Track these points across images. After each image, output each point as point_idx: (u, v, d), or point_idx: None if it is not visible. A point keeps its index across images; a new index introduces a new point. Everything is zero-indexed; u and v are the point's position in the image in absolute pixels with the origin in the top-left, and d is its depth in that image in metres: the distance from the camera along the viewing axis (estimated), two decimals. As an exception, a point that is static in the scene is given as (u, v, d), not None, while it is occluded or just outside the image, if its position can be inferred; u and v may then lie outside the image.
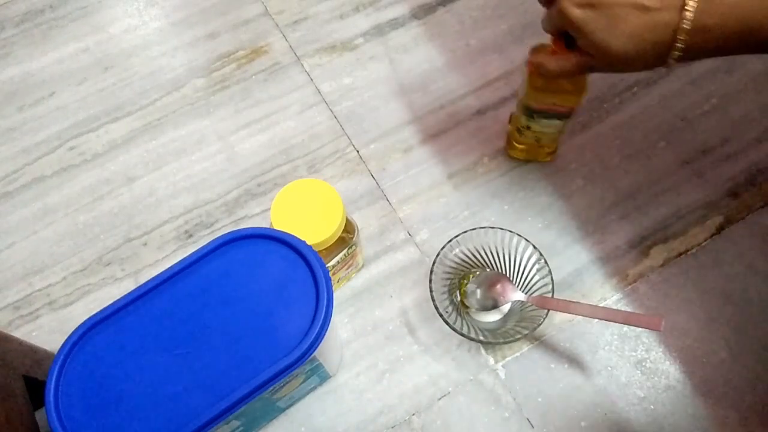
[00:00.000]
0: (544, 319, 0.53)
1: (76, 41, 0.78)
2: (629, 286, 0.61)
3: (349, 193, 0.66)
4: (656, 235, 0.63)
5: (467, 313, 0.59)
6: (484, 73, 0.73)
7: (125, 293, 0.44)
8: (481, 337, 0.54)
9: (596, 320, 0.59)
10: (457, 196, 0.66)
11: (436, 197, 0.66)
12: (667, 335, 0.58)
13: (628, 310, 0.60)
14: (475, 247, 0.59)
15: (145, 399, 0.41)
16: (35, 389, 0.49)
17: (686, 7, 0.42)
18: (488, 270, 0.60)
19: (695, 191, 0.65)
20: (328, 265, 0.54)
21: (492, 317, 0.59)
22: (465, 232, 0.57)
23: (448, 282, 0.59)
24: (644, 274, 0.61)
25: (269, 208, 0.57)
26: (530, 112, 0.58)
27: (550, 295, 0.54)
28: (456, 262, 0.59)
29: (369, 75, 0.74)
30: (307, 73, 0.74)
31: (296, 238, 0.46)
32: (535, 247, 0.56)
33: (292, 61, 0.75)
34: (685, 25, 0.42)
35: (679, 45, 0.43)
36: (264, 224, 0.64)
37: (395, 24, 0.77)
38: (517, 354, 0.58)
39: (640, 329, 0.59)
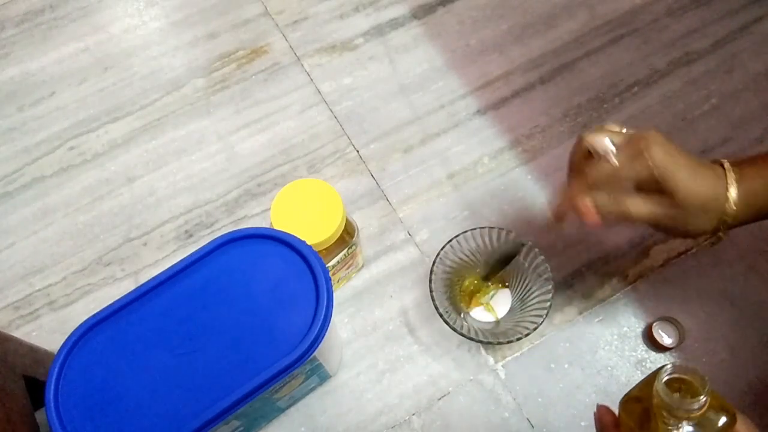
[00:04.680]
0: (543, 319, 0.53)
1: (76, 41, 0.78)
2: (629, 286, 0.61)
3: (349, 193, 0.66)
4: (656, 235, 0.63)
5: (467, 313, 0.59)
6: (484, 73, 0.73)
7: (125, 293, 0.44)
8: (481, 337, 0.54)
9: (596, 320, 0.59)
10: (457, 196, 0.66)
11: (436, 197, 0.66)
12: (667, 335, 0.58)
13: (628, 310, 0.60)
14: (475, 247, 0.59)
15: (145, 399, 0.41)
16: (35, 389, 0.49)
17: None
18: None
19: (695, 191, 0.64)
20: (328, 265, 0.54)
21: (491, 317, 0.59)
22: (465, 232, 0.57)
23: (448, 282, 0.59)
24: (644, 274, 0.61)
25: (269, 208, 0.57)
26: None
27: (550, 295, 0.54)
28: (456, 262, 0.59)
29: (369, 75, 0.74)
30: (307, 73, 0.74)
31: (296, 238, 0.46)
32: (530, 244, 0.56)
33: (292, 61, 0.75)
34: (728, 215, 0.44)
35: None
36: (264, 224, 0.64)
37: (395, 24, 0.77)
38: (517, 354, 0.58)
39: (640, 329, 0.59)
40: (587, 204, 0.46)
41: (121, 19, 0.80)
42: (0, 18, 0.80)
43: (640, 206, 0.45)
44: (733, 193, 0.44)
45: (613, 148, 0.45)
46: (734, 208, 0.44)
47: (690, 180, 0.44)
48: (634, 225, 0.47)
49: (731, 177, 0.44)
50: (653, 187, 0.44)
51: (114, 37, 0.78)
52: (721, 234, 0.46)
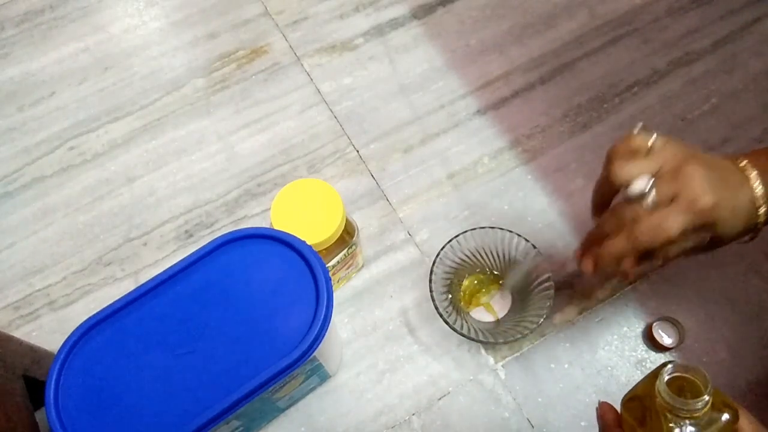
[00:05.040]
0: (543, 319, 0.53)
1: (76, 41, 0.78)
2: (629, 286, 0.61)
3: (349, 193, 0.66)
4: (656, 235, 0.62)
5: (467, 313, 0.59)
6: (484, 73, 0.73)
7: (125, 293, 0.44)
8: (481, 337, 0.54)
9: (596, 320, 0.59)
10: (457, 196, 0.66)
11: (436, 197, 0.66)
12: (667, 335, 0.58)
13: (628, 310, 0.60)
14: (475, 247, 0.59)
15: (145, 399, 0.41)
16: (35, 389, 0.49)
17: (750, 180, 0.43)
18: (489, 270, 0.60)
19: (695, 191, 0.64)
20: (328, 265, 0.54)
21: (491, 317, 0.59)
22: (465, 232, 0.57)
23: (448, 282, 0.59)
24: (644, 274, 0.61)
25: (269, 208, 0.57)
26: None
27: (550, 295, 0.54)
28: (456, 262, 0.59)
29: (369, 75, 0.74)
30: (307, 73, 0.74)
31: (296, 238, 0.46)
32: (535, 247, 0.56)
33: (292, 61, 0.75)
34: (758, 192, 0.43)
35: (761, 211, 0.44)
36: (264, 224, 0.64)
37: (395, 24, 0.77)
38: (517, 354, 0.58)
39: (640, 329, 0.59)
40: (633, 271, 0.44)
41: (121, 19, 0.80)
42: (0, 18, 0.80)
43: (678, 250, 0.43)
44: (759, 192, 0.43)
45: (653, 194, 0.42)
46: (764, 208, 0.43)
47: (734, 212, 0.43)
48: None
49: (755, 181, 0.43)
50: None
51: (114, 37, 0.78)
52: (752, 235, 0.45)
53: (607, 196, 0.46)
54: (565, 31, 0.75)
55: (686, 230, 0.42)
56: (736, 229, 0.44)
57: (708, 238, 0.44)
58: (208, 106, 0.73)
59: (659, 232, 0.42)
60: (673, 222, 0.41)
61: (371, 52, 0.75)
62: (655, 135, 0.44)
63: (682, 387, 0.36)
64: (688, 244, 0.44)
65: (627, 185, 0.43)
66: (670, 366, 0.36)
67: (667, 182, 0.42)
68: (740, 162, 0.44)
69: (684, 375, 0.36)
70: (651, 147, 0.44)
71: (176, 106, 0.73)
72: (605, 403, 0.42)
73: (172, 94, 0.74)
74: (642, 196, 0.42)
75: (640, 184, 0.42)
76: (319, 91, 0.73)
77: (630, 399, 0.40)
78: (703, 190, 0.41)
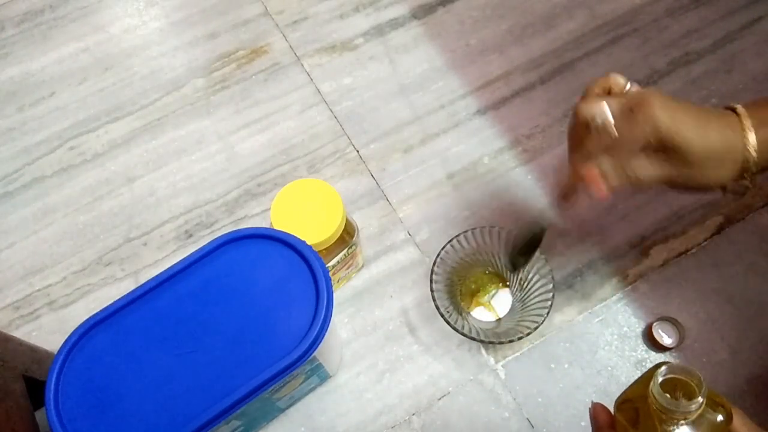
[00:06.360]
0: (544, 319, 0.53)
1: (76, 41, 0.78)
2: (629, 286, 0.61)
3: (349, 193, 0.66)
4: (656, 235, 0.63)
5: (468, 312, 0.59)
6: (484, 73, 0.73)
7: (125, 293, 0.44)
8: (482, 337, 0.54)
9: (596, 320, 0.59)
10: (457, 196, 0.66)
11: (436, 197, 0.66)
12: (667, 335, 0.58)
13: (628, 310, 0.60)
14: (475, 247, 0.59)
15: (145, 399, 0.41)
16: (35, 389, 0.49)
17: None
18: (489, 270, 0.60)
19: (695, 191, 0.64)
20: (328, 265, 0.54)
21: (492, 317, 0.59)
22: (465, 232, 0.57)
23: (449, 282, 0.59)
24: (644, 274, 0.61)
25: (269, 208, 0.57)
26: None
27: (550, 295, 0.54)
28: (456, 262, 0.59)
29: (369, 75, 0.74)
30: (307, 73, 0.74)
31: (296, 238, 0.46)
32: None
33: (292, 61, 0.75)
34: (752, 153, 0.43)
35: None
36: (264, 224, 0.64)
37: (395, 24, 0.77)
38: (517, 354, 0.58)
39: (640, 329, 0.59)
40: (593, 173, 0.43)
41: (121, 19, 0.80)
42: (0, 18, 0.80)
43: (649, 169, 0.43)
44: (751, 139, 0.42)
45: (611, 118, 0.42)
46: (755, 155, 0.42)
47: (700, 136, 0.42)
48: (645, 190, 0.45)
49: (748, 123, 0.43)
50: (660, 146, 0.42)
51: (114, 37, 0.78)
52: (747, 183, 0.44)
53: (578, 137, 0.46)
54: (565, 31, 0.75)
55: (643, 143, 0.42)
56: (718, 172, 0.43)
57: (686, 174, 0.43)
58: (208, 106, 0.73)
59: (617, 146, 0.42)
60: (630, 132, 0.42)
61: (371, 52, 0.75)
62: (629, 83, 0.45)
63: (675, 387, 0.36)
64: (660, 167, 0.43)
65: (592, 119, 0.43)
66: (663, 368, 0.36)
67: (627, 109, 0.42)
68: (737, 108, 0.44)
69: (678, 376, 0.36)
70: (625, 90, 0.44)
71: (176, 106, 0.73)
72: (598, 404, 0.42)
73: (172, 94, 0.74)
74: (603, 125, 0.43)
75: (604, 110, 0.43)
76: (319, 91, 0.73)
77: (624, 401, 0.40)
78: (657, 107, 0.41)
